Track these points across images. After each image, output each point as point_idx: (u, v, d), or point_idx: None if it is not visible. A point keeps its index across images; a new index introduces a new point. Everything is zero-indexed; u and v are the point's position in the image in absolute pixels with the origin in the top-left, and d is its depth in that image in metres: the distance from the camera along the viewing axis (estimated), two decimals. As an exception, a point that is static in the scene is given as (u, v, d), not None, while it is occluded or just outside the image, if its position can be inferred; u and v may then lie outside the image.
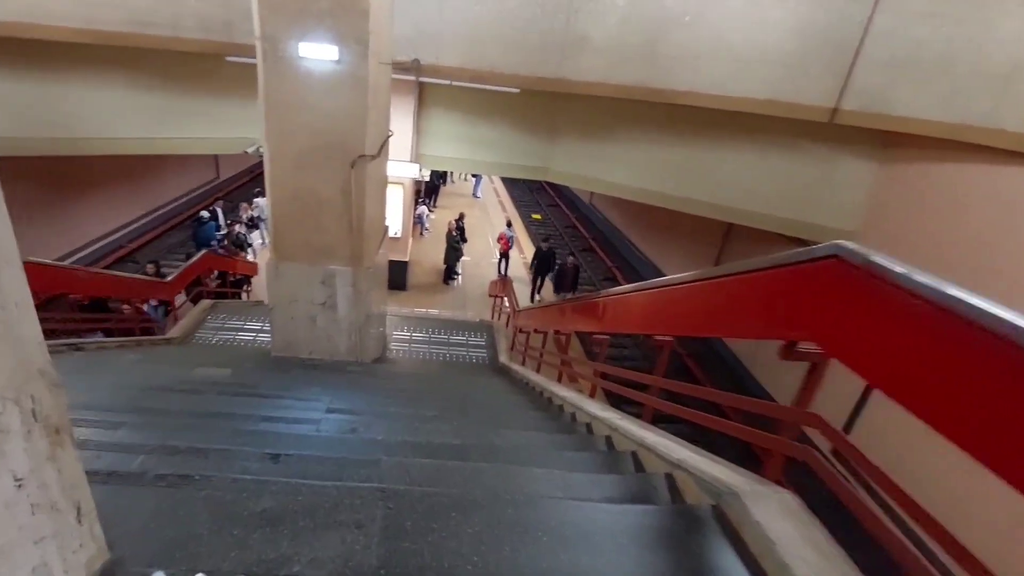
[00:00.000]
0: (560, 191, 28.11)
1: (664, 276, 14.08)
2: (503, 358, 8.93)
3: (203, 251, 10.61)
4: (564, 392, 4.72)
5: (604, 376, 4.82)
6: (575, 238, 22.29)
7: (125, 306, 8.46)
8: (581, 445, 3.00)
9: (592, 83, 9.97)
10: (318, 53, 5.36)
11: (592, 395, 4.83)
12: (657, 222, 18.13)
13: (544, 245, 15.13)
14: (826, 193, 10.19)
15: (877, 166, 9.76)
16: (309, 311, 7.01)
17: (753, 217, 10.95)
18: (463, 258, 15.96)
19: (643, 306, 3.74)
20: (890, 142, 9.47)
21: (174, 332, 8.59)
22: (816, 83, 8.99)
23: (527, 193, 27.65)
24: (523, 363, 8.52)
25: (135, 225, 16.95)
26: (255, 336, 8.79)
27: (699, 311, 3.15)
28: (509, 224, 16.80)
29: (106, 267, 14.64)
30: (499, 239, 16.20)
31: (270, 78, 5.46)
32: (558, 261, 15.68)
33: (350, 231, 6.49)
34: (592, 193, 24.35)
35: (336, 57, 5.42)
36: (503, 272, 16.54)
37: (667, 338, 4.20)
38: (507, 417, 3.74)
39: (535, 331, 7.97)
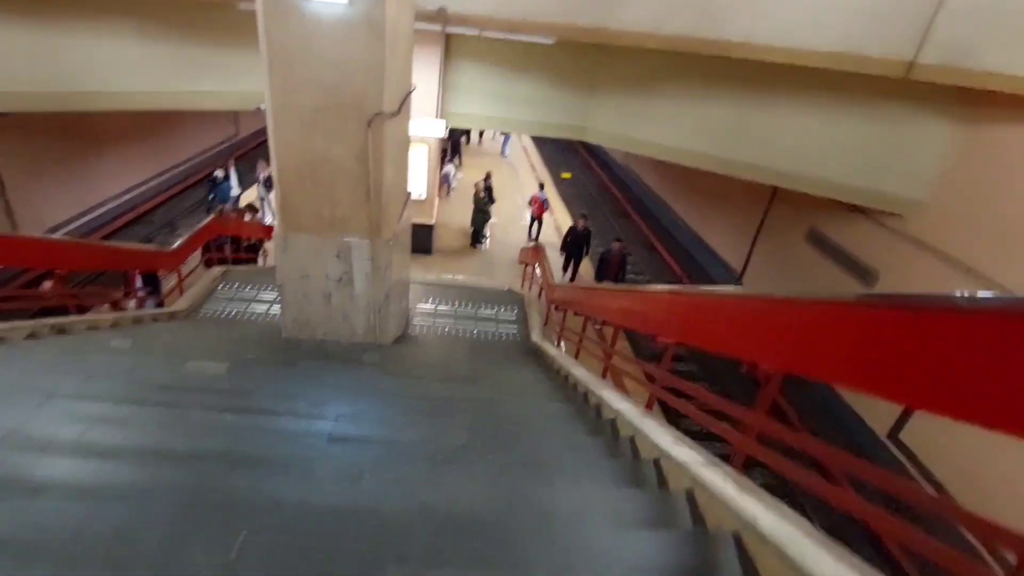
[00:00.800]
0: (593, 151, 26.92)
1: (705, 242, 13.27)
2: (535, 336, 8.19)
3: (210, 216, 9.90)
4: (618, 403, 3.96)
5: (670, 390, 4.06)
6: (608, 201, 21.25)
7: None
8: (661, 513, 2.24)
9: (636, 33, 8.93)
10: (326, -9, 4.52)
11: (649, 407, 4.06)
12: (696, 185, 17.09)
13: (581, 223, 13.17)
14: (893, 157, 9.19)
15: (954, 128, 8.71)
16: (323, 288, 6.33)
17: (809, 182, 9.99)
18: (491, 220, 15.09)
19: (745, 323, 2.88)
20: (972, 101, 8.39)
21: (180, 303, 7.99)
22: (892, 33, 7.93)
23: (558, 152, 26.50)
24: (558, 344, 7.77)
25: (151, 184, 16.39)
26: (268, 308, 8.17)
27: (859, 356, 2.00)
28: (542, 186, 15.81)
29: (119, 228, 14.18)
30: (531, 202, 15.25)
31: (271, 24, 4.64)
32: (602, 248, 13.86)
33: (367, 200, 5.73)
34: (627, 153, 23.16)
35: (347, -4, 4.57)
36: (534, 237, 15.68)
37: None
38: (554, 447, 3.03)
39: (574, 313, 7.19)
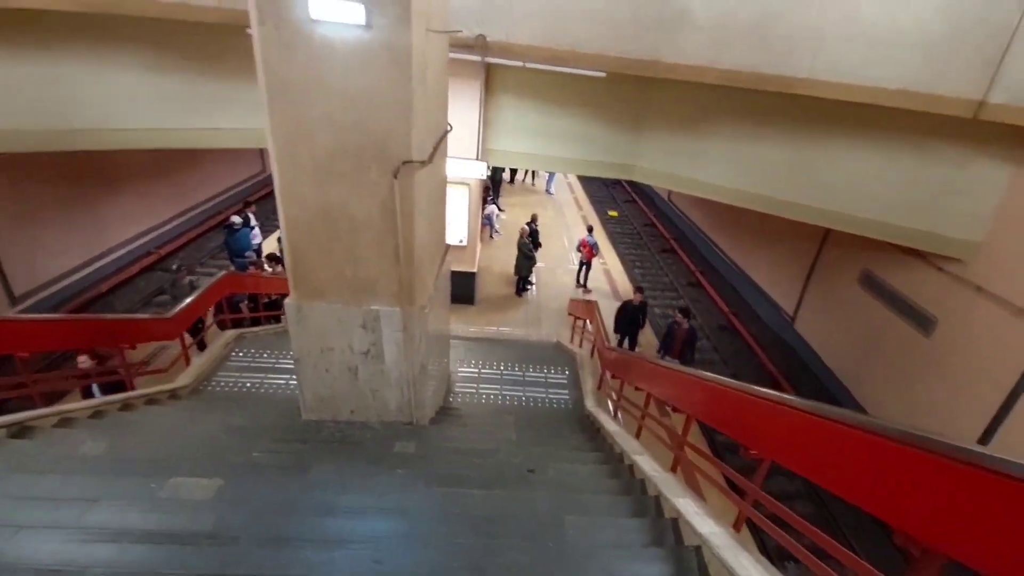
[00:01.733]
0: (638, 186, 25.94)
1: (752, 280, 12.19)
2: (589, 404, 7.12)
3: (221, 273, 9.02)
4: (703, 525, 3.01)
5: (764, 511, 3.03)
6: (654, 237, 20.16)
7: (82, 357, 6.43)
8: None
9: (692, 67, 8.21)
10: (338, 14, 3.66)
11: (737, 529, 3.07)
12: (743, 223, 16.03)
13: (637, 297, 10.91)
14: (950, 199, 8.42)
15: (1015, 170, 7.95)
16: (348, 361, 5.40)
17: (864, 224, 9.15)
18: (536, 265, 14.12)
19: (892, 477, 1.92)
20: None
21: (184, 377, 7.13)
22: (961, 72, 7.31)
23: (602, 188, 25.59)
24: (615, 415, 6.67)
25: (168, 227, 15.68)
26: (288, 379, 7.25)
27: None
28: (591, 229, 14.85)
29: (133, 276, 13.52)
30: (581, 246, 14.28)
31: (270, 51, 3.80)
32: (671, 320, 11.24)
33: (396, 261, 4.80)
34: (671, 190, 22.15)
35: (363, 20, 3.71)
36: (583, 282, 14.68)
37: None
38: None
39: (632, 387, 6.13)
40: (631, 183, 26.23)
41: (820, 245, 12.42)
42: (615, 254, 17.14)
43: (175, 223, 16.00)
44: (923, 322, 9.05)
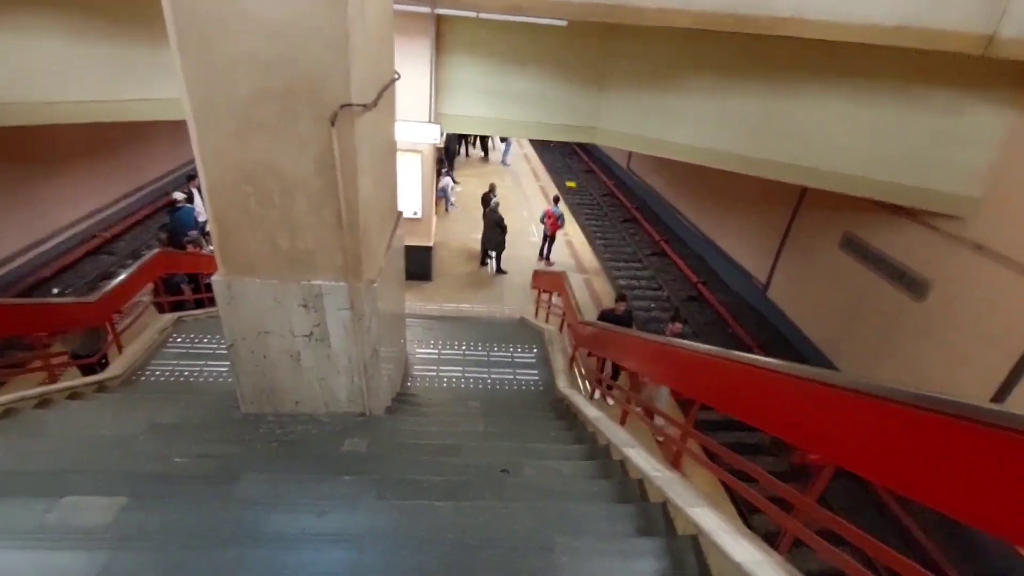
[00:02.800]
0: (593, 155, 25.44)
1: (721, 249, 11.67)
2: (562, 384, 6.57)
3: (155, 251, 8.09)
4: (738, 551, 2.45)
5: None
6: (614, 207, 19.70)
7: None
8: None
9: (662, 9, 7.52)
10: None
11: (783, 551, 2.51)
12: (710, 188, 15.69)
13: (622, 307, 8.39)
14: (945, 151, 7.92)
15: (1018, 116, 7.42)
16: (288, 346, 4.71)
17: (847, 182, 8.70)
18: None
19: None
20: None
21: (116, 367, 6.30)
22: (966, 3, 6.66)
23: (559, 158, 24.99)
24: (591, 396, 6.13)
25: (114, 208, 14.50)
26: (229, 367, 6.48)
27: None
28: (557, 200, 14.18)
29: (77, 260, 12.44)
30: (546, 217, 13.61)
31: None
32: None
33: (339, 228, 4.12)
34: (630, 156, 21.69)
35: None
36: (546, 255, 14.07)
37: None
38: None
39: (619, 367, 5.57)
40: (588, 152, 25.78)
41: (795, 208, 12.06)
42: (576, 225, 16.58)
43: (122, 204, 14.83)
44: (914, 286, 8.69)
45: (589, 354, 6.70)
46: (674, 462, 3.78)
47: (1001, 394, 7.15)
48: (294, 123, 3.61)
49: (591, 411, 5.24)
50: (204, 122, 3.61)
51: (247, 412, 5.01)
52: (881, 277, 9.55)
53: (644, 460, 3.79)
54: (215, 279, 4.35)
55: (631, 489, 3.52)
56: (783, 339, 12.27)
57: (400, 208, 6.31)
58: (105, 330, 6.89)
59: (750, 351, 11.37)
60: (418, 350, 7.29)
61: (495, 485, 3.45)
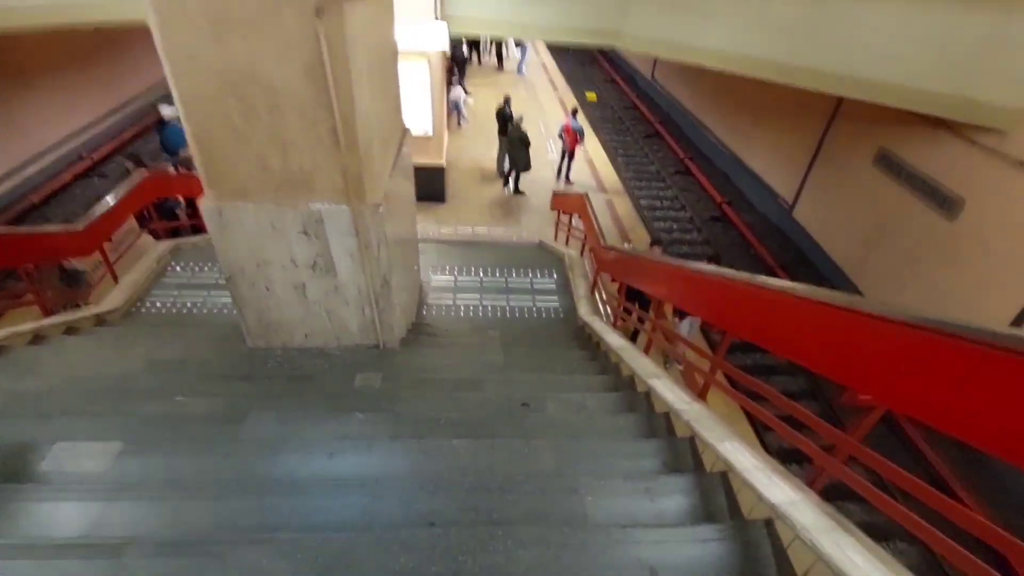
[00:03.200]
0: (617, 64, 24.04)
1: (747, 166, 10.88)
2: (583, 311, 6.21)
3: (141, 169, 7.52)
4: (775, 492, 2.16)
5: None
6: (637, 121, 18.72)
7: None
8: None
9: None
10: None
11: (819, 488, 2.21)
12: (738, 101, 14.68)
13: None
14: (992, 58, 7.04)
15: None
16: (291, 277, 4.36)
17: (888, 91, 7.85)
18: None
19: None
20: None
21: (113, 299, 5.99)
22: None
23: (578, 68, 23.63)
24: (614, 323, 5.77)
25: (102, 127, 13.74)
26: (234, 299, 6.18)
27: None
28: (575, 112, 13.24)
29: (67, 185, 11.94)
30: (564, 132, 12.79)
31: None
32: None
33: (336, 146, 3.65)
34: (654, 65, 20.44)
35: None
36: (565, 174, 13.37)
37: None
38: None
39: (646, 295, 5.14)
40: (610, 60, 24.37)
41: (828, 122, 11.23)
42: (597, 141, 15.74)
43: (108, 122, 14.03)
44: (947, 204, 8.10)
45: (612, 280, 6.28)
46: (701, 394, 3.44)
47: (1020, 320, 6.76)
48: (276, 18, 3.08)
49: (614, 339, 4.88)
50: (170, 17, 3.09)
51: (254, 346, 4.73)
52: (913, 195, 8.92)
53: (670, 392, 3.46)
54: (204, 205, 3.94)
55: (657, 423, 3.23)
56: (807, 261, 11.75)
57: (406, 124, 5.78)
58: (85, 280, 6.52)
59: (772, 273, 10.94)
60: (433, 277, 6.92)
61: (516, 421, 3.16)
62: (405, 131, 5.39)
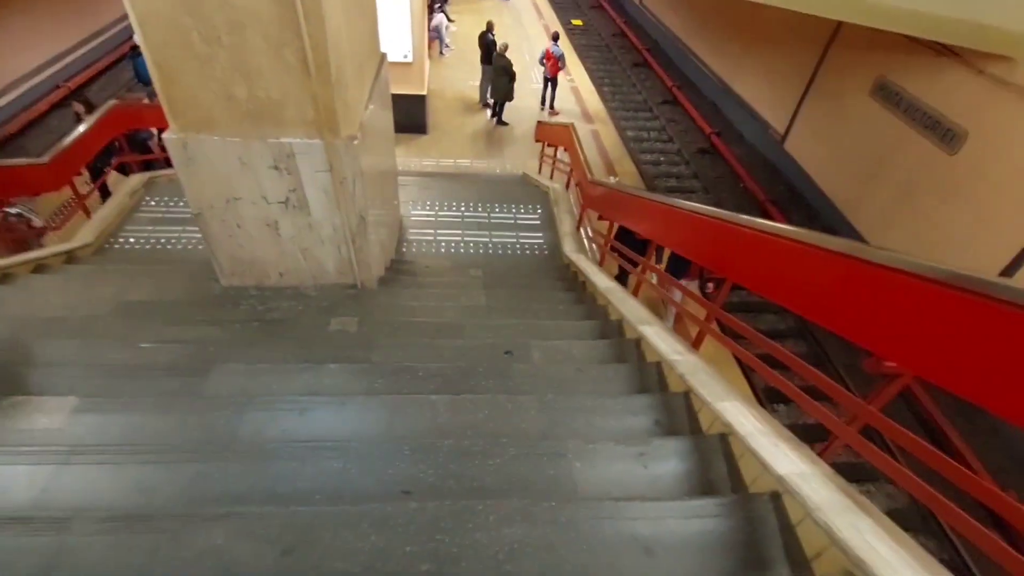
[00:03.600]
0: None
1: (738, 95, 10.54)
2: (568, 248, 6.08)
3: (112, 102, 7.16)
4: (784, 463, 2.00)
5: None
6: (624, 49, 18.08)
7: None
8: None
9: None
10: None
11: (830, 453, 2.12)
12: (730, 26, 14.16)
13: None
14: None
15: None
16: (263, 214, 4.16)
17: (893, 16, 7.38)
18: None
19: None
20: None
21: (84, 235, 5.74)
22: None
23: (564, -7, 22.65)
24: (601, 261, 5.66)
25: (75, 55, 13.11)
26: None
27: None
28: (556, 37, 12.69)
29: (43, 115, 11.43)
30: (545, 58, 12.29)
31: None
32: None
33: (306, 73, 3.39)
34: (643, -11, 19.59)
35: None
36: (550, 102, 12.94)
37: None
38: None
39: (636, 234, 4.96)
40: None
41: (824, 49, 10.84)
42: (582, 69, 15.18)
43: (83, 50, 13.37)
44: (948, 137, 7.87)
45: (600, 217, 6.13)
46: (695, 344, 3.36)
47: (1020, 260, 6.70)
48: (232, -72, 2.77)
49: (602, 281, 4.78)
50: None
51: (228, 285, 4.57)
52: (912, 127, 8.67)
53: (663, 341, 3.35)
54: (167, 137, 3.69)
55: (649, 376, 3.11)
56: (798, 195, 11.61)
57: (384, 49, 5.44)
58: (29, 224, 6.19)
59: (764, 209, 10.82)
60: (412, 212, 6.71)
61: (499, 373, 3.05)
62: (383, 57, 5.07)
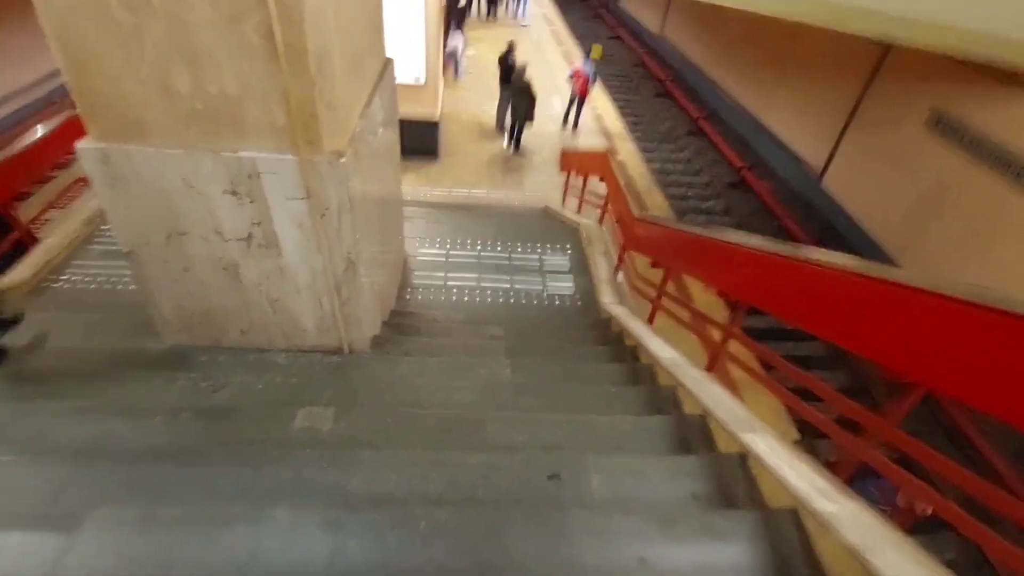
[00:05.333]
0: (620, 19, 22.36)
1: (767, 129, 8.86)
2: (606, 298, 4.98)
3: (68, 113, 6.14)
4: None
5: None
6: (646, 80, 17.26)
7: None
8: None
9: None
10: None
11: None
12: (758, 55, 13.30)
13: None
14: None
15: None
16: (218, 253, 3.10)
17: (957, 36, 6.32)
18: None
19: None
20: None
21: (20, 272, 4.64)
22: None
23: (580, 22, 21.96)
24: (650, 320, 4.52)
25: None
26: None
27: None
28: (589, 54, 11.74)
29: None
30: (573, 76, 11.31)
31: None
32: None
33: (273, 54, 2.34)
34: (664, 20, 18.84)
35: None
36: (574, 122, 11.91)
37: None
38: None
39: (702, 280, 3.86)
40: (614, 15, 22.66)
41: (869, 79, 9.89)
42: (607, 98, 14.27)
43: None
44: (1022, 174, 6.89)
45: (654, 264, 5.01)
46: (844, 476, 2.22)
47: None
48: None
49: (661, 349, 3.65)
50: None
51: (173, 345, 3.48)
52: (978, 163, 7.69)
53: (791, 467, 2.21)
54: (81, 148, 2.64)
55: (783, 535, 1.95)
56: (837, 235, 10.57)
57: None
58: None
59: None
60: (420, 250, 5.63)
61: (544, 525, 1.91)
62: (388, 62, 4.04)
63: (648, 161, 12.42)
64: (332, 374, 3.17)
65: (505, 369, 3.49)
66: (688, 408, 3.00)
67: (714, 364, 3.35)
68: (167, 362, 3.19)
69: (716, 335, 3.35)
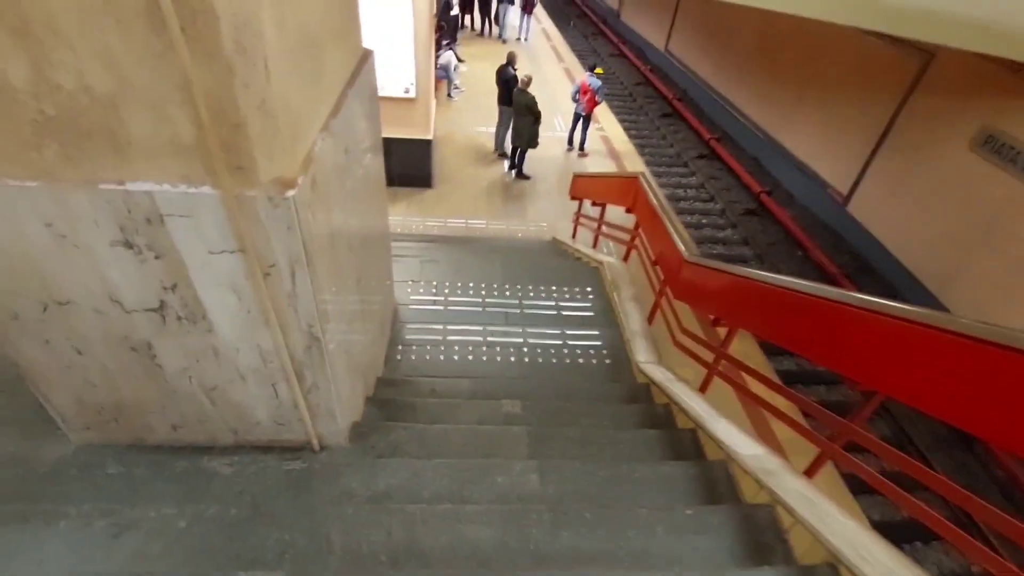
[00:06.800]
0: (622, 35, 21.73)
1: (787, 150, 6.38)
2: (642, 355, 4.03)
3: None
4: None
5: None
6: (650, 98, 16.47)
7: None
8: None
9: None
10: None
11: None
12: (775, 71, 12.52)
13: None
14: None
15: None
16: (120, 330, 2.14)
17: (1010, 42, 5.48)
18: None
19: None
20: None
21: None
22: None
23: (581, 40, 21.33)
24: (704, 387, 3.55)
25: None
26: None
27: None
28: (593, 68, 10.92)
29: None
30: (580, 92, 10.48)
31: None
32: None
33: (161, 28, 1.39)
34: (669, 36, 18.15)
35: None
36: (580, 143, 11.06)
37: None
38: None
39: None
40: (616, 32, 22.02)
41: (905, 95, 9.07)
42: (613, 117, 13.44)
43: None
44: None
45: (714, 323, 4.02)
46: None
47: None
48: None
49: (741, 444, 2.69)
50: None
51: (81, 445, 2.52)
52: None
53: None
54: None
55: None
56: (865, 265, 9.69)
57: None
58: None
59: (834, 283, 8.83)
60: (412, 297, 4.65)
61: None
62: (366, 54, 3.10)
63: (663, 186, 11.57)
64: (291, 494, 2.19)
65: (531, 473, 2.51)
66: (800, 549, 2.02)
67: (816, 470, 2.39)
68: (65, 477, 2.23)
69: (825, 434, 2.38)
